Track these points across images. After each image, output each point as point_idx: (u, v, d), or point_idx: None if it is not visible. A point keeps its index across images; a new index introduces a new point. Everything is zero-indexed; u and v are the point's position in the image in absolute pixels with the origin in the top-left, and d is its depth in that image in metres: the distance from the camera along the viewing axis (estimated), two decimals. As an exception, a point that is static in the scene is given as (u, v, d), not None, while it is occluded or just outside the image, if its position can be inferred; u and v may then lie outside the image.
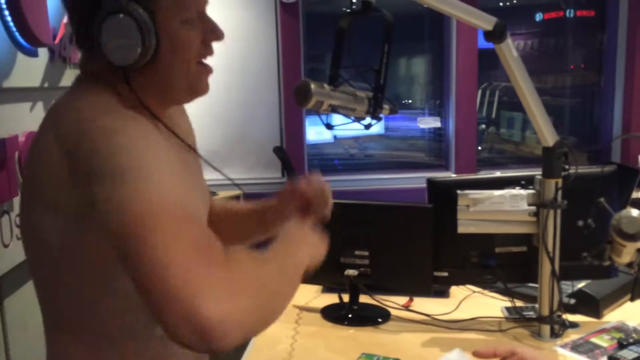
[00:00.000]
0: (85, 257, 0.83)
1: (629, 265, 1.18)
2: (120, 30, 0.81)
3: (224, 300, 0.68)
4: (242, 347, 1.61)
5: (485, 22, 1.41)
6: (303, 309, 1.82)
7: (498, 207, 1.55)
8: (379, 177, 3.78)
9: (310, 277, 1.87)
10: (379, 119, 1.20)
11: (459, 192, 1.57)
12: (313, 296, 1.92)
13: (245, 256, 0.79)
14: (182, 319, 0.65)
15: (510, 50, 1.48)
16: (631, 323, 1.62)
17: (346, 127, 1.23)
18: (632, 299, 1.64)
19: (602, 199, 1.24)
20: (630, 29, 3.62)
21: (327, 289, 1.94)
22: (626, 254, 1.14)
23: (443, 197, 1.63)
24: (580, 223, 1.29)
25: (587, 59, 4.45)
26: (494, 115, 4.91)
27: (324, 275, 1.79)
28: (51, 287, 0.89)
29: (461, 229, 1.58)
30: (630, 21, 3.62)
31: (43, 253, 0.86)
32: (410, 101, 4.96)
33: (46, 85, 1.92)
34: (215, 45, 0.96)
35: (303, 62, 3.54)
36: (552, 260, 1.46)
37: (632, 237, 1.11)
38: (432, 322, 1.67)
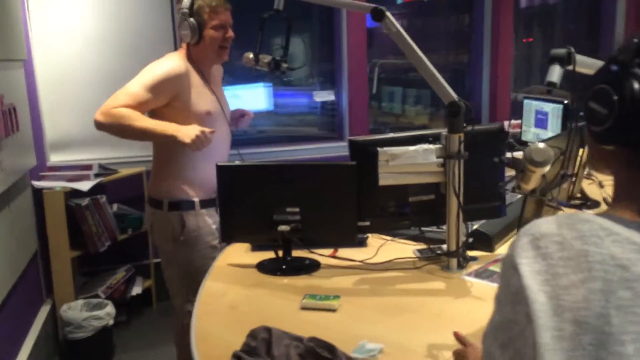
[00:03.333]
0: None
1: (532, 191, 1.46)
2: (184, 27, 2.17)
3: (104, 112, 2.09)
4: (191, 303, 1.71)
5: (364, 9, 1.82)
6: (237, 266, 1.95)
7: (412, 160, 1.79)
8: (276, 150, 3.92)
9: (243, 237, 2.01)
10: (280, 73, 2.12)
11: (379, 149, 1.78)
12: (243, 255, 2.05)
13: (132, 112, 2.10)
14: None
15: (388, 27, 1.77)
16: (517, 253, 1.95)
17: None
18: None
19: (511, 139, 1.51)
20: (495, 10, 4.09)
21: (256, 248, 2.09)
22: (533, 180, 1.42)
23: (363, 155, 1.84)
24: (496, 160, 1.55)
25: (453, 38, 4.91)
26: (374, 90, 5.26)
27: (258, 232, 1.94)
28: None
29: (382, 182, 1.80)
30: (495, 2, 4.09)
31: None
32: (292, 79, 5.15)
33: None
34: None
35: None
36: (460, 203, 1.74)
37: (540, 164, 1.38)
38: (358, 267, 1.89)
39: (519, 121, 3.62)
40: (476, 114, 4.46)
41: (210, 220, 2.30)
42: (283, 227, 1.87)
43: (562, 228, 0.72)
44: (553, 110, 3.27)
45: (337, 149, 3.98)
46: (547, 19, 5.05)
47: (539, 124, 3.41)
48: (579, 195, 2.45)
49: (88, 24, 3.41)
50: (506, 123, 3.51)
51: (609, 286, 0.67)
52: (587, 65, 1.28)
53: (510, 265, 0.73)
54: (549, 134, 3.28)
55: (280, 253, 1.91)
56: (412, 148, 1.79)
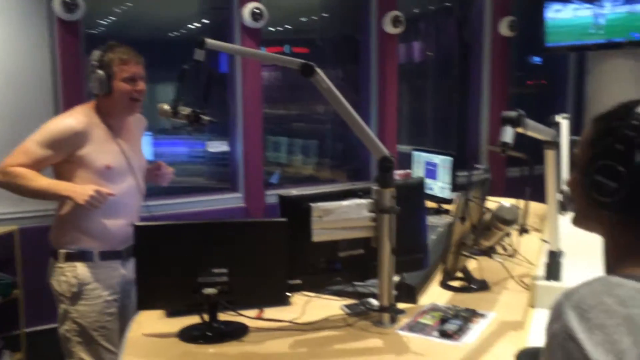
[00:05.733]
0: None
1: (490, 248, 1.49)
2: (93, 79, 2.13)
3: (1, 171, 2.07)
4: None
5: (293, 64, 1.79)
6: (155, 335, 1.77)
7: (345, 215, 1.77)
8: (167, 203, 3.70)
9: (163, 303, 1.84)
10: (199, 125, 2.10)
11: (312, 204, 1.74)
12: (157, 322, 1.87)
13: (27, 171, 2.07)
14: None
15: (319, 83, 1.77)
16: (439, 303, 1.99)
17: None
18: (441, 283, 2.02)
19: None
20: (381, 64, 4.32)
21: (171, 313, 1.91)
22: (496, 238, 1.46)
23: (294, 210, 1.78)
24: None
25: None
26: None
27: (180, 297, 1.79)
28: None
29: (316, 238, 1.75)
30: (380, 54, 4.31)
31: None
32: (168, 127, 4.96)
33: None
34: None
35: (85, 85, 3.33)
36: (396, 256, 1.74)
37: (510, 222, 1.42)
38: (290, 327, 1.80)
39: (407, 170, 3.78)
40: (365, 166, 4.61)
41: (112, 273, 2.23)
42: (209, 290, 1.73)
43: (602, 296, 0.77)
44: (442, 162, 3.46)
45: (231, 201, 3.87)
46: (414, 75, 5.43)
47: (429, 174, 3.59)
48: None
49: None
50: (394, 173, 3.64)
51: None
52: (534, 128, 1.36)
53: (568, 337, 0.75)
54: (439, 184, 3.46)
55: (206, 317, 1.77)
56: (344, 203, 1.77)
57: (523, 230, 1.44)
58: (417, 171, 3.70)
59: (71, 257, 2.17)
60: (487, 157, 4.68)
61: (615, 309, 0.76)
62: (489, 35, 4.67)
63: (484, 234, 1.49)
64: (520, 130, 1.33)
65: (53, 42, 3.25)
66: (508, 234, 1.49)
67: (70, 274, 2.16)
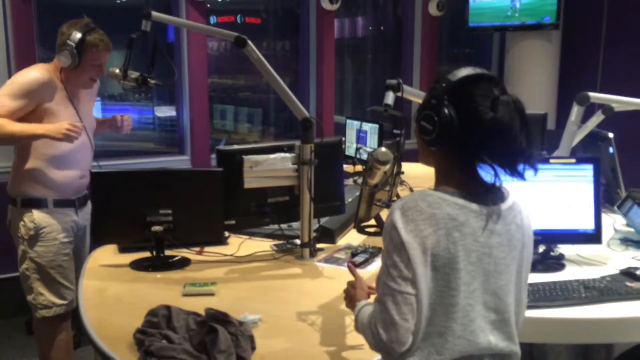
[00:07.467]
0: None
1: (375, 186, 1.86)
2: (66, 55, 2.30)
3: None
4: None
5: (229, 37, 2.14)
6: (110, 266, 2.09)
7: (272, 166, 2.11)
8: (120, 163, 3.95)
9: (117, 238, 2.16)
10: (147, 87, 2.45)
11: (244, 156, 2.08)
12: (112, 257, 2.18)
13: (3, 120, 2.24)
14: None
15: (250, 54, 2.10)
16: (354, 243, 2.38)
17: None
18: (355, 227, 2.41)
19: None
20: (319, 38, 4.63)
21: (123, 249, 2.23)
22: (377, 177, 1.82)
23: (229, 162, 2.11)
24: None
25: (277, 61, 5.34)
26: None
27: (132, 233, 2.11)
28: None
29: (247, 185, 2.09)
30: (318, 29, 4.62)
31: None
32: (116, 94, 5.15)
33: None
34: None
35: (37, 48, 3.51)
36: (314, 201, 2.10)
37: (384, 163, 1.79)
38: (225, 260, 2.15)
39: (342, 137, 4.15)
40: (305, 132, 4.93)
41: (66, 218, 2.49)
42: (156, 228, 2.06)
43: (417, 201, 1.16)
44: (371, 129, 3.85)
45: (179, 162, 4.14)
46: (357, 49, 5.77)
47: (360, 140, 3.97)
48: (394, 198, 2.99)
49: None
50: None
51: (448, 231, 1.13)
52: (411, 93, 1.72)
53: (392, 227, 1.14)
54: (369, 149, 3.85)
55: (146, 254, 2.09)
56: (272, 156, 2.11)
57: (398, 172, 1.83)
58: (350, 137, 4.08)
59: (28, 204, 2.41)
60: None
61: (425, 209, 1.13)
62: (419, 14, 5.04)
63: (369, 173, 1.86)
64: (399, 94, 1.69)
65: (4, 7, 3.40)
66: (386, 173, 1.87)
67: (27, 219, 2.40)
